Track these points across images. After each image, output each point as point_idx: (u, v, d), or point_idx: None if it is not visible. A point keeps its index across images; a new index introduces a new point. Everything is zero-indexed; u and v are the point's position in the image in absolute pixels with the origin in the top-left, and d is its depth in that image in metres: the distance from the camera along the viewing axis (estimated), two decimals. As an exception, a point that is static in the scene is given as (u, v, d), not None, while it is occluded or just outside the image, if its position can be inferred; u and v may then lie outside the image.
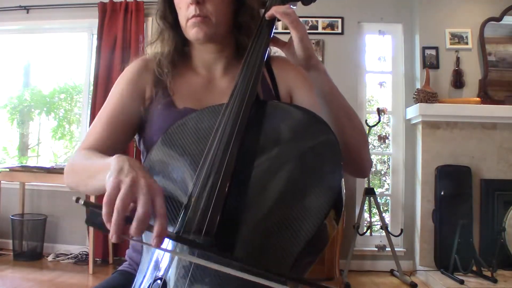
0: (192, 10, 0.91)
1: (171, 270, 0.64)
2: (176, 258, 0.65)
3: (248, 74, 0.81)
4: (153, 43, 1.02)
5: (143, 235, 0.68)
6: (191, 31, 0.93)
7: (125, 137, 0.97)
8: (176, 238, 0.61)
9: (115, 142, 0.94)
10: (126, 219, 0.56)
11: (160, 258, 0.67)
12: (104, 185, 0.64)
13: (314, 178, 0.68)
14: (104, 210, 0.57)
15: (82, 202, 0.58)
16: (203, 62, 1.03)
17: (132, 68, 1.01)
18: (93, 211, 0.59)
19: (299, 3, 0.96)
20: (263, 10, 0.92)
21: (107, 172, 0.63)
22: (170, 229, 0.68)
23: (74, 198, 0.59)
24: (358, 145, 0.89)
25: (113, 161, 0.65)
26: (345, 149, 0.72)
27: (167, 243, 0.66)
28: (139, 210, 0.56)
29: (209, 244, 0.62)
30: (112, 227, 0.55)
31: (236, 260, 0.59)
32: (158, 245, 0.57)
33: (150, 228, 0.57)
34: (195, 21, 0.91)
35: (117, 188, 0.58)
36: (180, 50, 1.02)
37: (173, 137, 0.81)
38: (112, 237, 0.56)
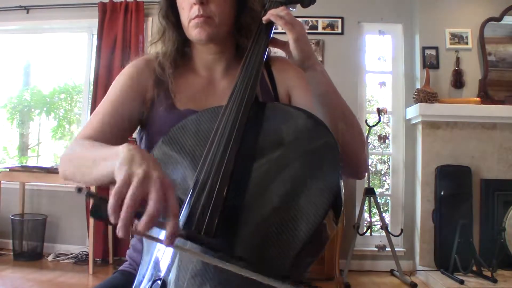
0: (196, 10, 0.91)
1: (171, 270, 0.64)
2: (177, 259, 0.65)
3: (247, 76, 0.82)
4: (156, 42, 1.02)
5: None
6: (194, 31, 0.93)
7: (122, 132, 0.95)
8: (187, 237, 0.61)
9: (113, 135, 0.92)
10: (136, 214, 0.54)
11: (160, 259, 0.67)
12: (108, 174, 0.61)
13: (312, 179, 0.68)
14: (111, 202, 0.54)
15: (86, 193, 0.55)
16: (204, 63, 1.03)
17: (134, 66, 1.00)
18: (98, 203, 0.56)
19: (299, 5, 0.97)
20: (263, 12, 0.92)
21: (114, 161, 0.61)
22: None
23: (75, 189, 0.55)
24: (355, 146, 0.89)
25: (123, 149, 0.62)
26: (341, 150, 0.72)
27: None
28: (151, 206, 0.54)
29: (217, 246, 0.62)
30: (121, 221, 0.53)
31: (242, 260, 0.58)
32: (170, 244, 0.55)
33: (160, 225, 0.55)
34: (198, 21, 0.91)
35: (128, 180, 0.56)
36: (181, 51, 1.02)
37: (173, 139, 0.81)
38: (119, 232, 0.53)
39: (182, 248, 0.60)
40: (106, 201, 0.55)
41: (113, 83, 0.99)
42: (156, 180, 0.56)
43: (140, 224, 0.54)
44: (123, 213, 0.53)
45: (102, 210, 0.55)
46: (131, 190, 0.55)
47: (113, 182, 0.60)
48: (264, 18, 0.88)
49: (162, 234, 0.56)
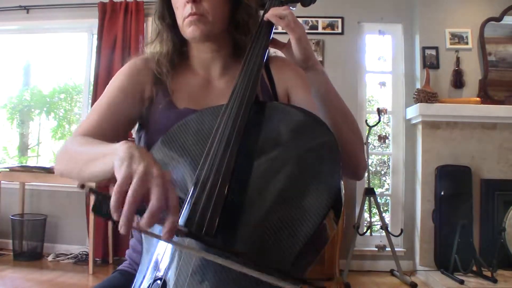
0: (189, 8, 0.91)
1: (171, 270, 0.64)
2: (177, 258, 0.65)
3: (248, 75, 0.82)
4: (152, 43, 1.02)
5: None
6: (188, 30, 0.93)
7: (119, 129, 0.95)
8: (186, 233, 0.61)
9: (111, 131, 0.91)
10: (137, 211, 0.55)
11: (160, 259, 0.67)
12: (106, 171, 0.62)
13: (313, 178, 0.68)
14: (114, 199, 0.55)
15: (88, 190, 0.56)
16: (201, 62, 1.03)
17: (132, 65, 1.01)
18: (100, 200, 0.57)
19: (299, 4, 0.97)
20: (262, 12, 0.92)
21: (112, 158, 0.61)
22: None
23: (78, 185, 0.56)
24: (354, 147, 0.89)
25: (121, 146, 0.62)
26: (340, 149, 0.72)
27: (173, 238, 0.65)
28: (153, 203, 0.55)
29: (217, 243, 0.62)
30: (122, 218, 0.54)
31: (242, 256, 0.58)
32: (169, 238, 0.55)
33: (161, 221, 0.56)
34: (192, 19, 0.91)
35: (129, 178, 0.56)
36: (179, 51, 1.02)
37: (173, 138, 0.81)
38: (121, 229, 0.54)
39: (181, 245, 0.61)
40: (108, 198, 0.55)
41: (110, 81, 0.99)
42: (157, 177, 0.57)
43: (142, 221, 0.55)
44: (125, 210, 0.54)
45: (104, 207, 0.56)
46: (133, 187, 0.55)
47: (110, 179, 0.61)
48: (266, 16, 0.88)
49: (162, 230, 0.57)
